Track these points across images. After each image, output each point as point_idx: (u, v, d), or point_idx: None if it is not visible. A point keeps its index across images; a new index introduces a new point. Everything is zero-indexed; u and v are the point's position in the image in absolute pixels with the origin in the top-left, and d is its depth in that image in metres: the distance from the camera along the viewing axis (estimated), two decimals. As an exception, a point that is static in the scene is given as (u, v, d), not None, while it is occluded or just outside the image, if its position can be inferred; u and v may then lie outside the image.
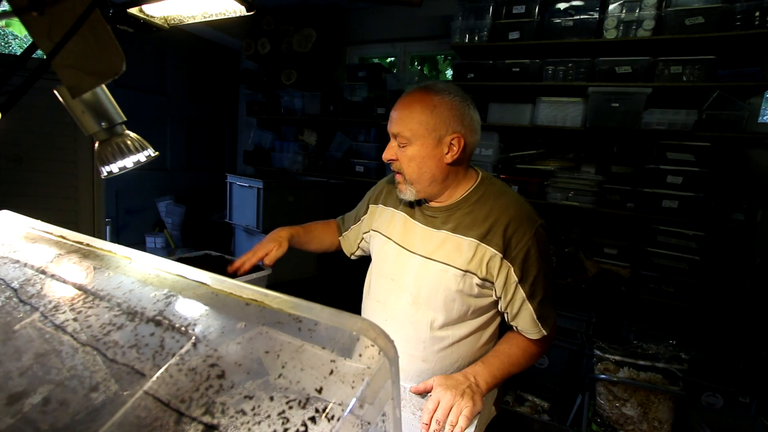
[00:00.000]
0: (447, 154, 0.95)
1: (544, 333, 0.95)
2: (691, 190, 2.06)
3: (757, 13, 1.87)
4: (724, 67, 2.00)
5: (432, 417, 0.78)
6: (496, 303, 1.00)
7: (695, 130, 2.04)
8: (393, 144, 0.99)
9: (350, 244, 1.27)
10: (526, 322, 0.95)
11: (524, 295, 0.94)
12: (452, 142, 0.94)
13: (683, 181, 2.07)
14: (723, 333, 2.13)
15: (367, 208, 1.21)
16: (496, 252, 0.93)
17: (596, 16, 2.16)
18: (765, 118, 2.21)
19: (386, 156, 1.00)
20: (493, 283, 0.95)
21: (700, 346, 2.04)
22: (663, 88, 2.09)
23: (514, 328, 1.00)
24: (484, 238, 0.94)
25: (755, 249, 2.17)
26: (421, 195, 1.02)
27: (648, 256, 2.18)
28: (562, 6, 2.24)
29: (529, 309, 0.94)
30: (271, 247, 1.12)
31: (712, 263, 2.16)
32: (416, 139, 0.94)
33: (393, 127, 0.97)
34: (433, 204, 1.05)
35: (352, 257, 1.29)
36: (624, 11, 2.12)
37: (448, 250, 0.97)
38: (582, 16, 2.19)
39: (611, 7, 2.14)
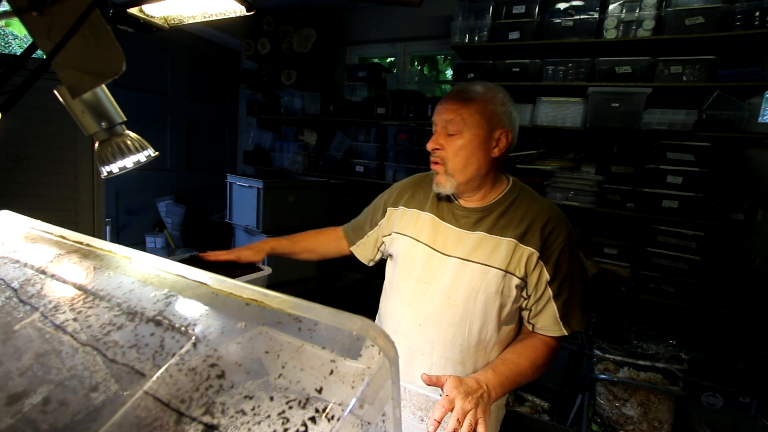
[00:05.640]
0: (495, 148, 0.98)
1: (565, 332, 0.96)
2: (691, 190, 2.06)
3: (757, 13, 1.87)
4: (724, 67, 2.00)
5: (442, 415, 0.74)
6: (520, 306, 1.01)
7: (695, 130, 2.04)
8: (440, 132, 0.99)
9: (369, 251, 1.22)
10: (548, 319, 0.96)
11: (551, 293, 0.95)
12: (500, 136, 0.97)
13: (683, 181, 2.07)
14: (723, 333, 2.13)
15: (385, 211, 1.18)
16: (533, 251, 0.94)
17: (596, 16, 2.16)
18: (765, 118, 2.21)
19: (432, 145, 0.99)
20: (527, 283, 0.97)
21: (700, 346, 2.04)
22: (663, 88, 2.09)
23: (530, 327, 1.00)
24: (522, 239, 0.95)
25: (755, 249, 2.17)
26: (459, 188, 1.01)
27: (648, 256, 2.18)
28: (562, 6, 2.24)
29: (552, 308, 0.96)
30: (247, 254, 1.15)
31: (712, 263, 2.16)
32: (470, 129, 0.95)
33: (446, 114, 0.97)
34: (465, 204, 1.04)
35: (371, 264, 1.25)
36: (624, 11, 2.12)
37: (487, 251, 0.97)
38: (582, 16, 2.19)
39: (611, 7, 2.14)
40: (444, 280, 0.99)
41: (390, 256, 1.17)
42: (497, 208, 1.01)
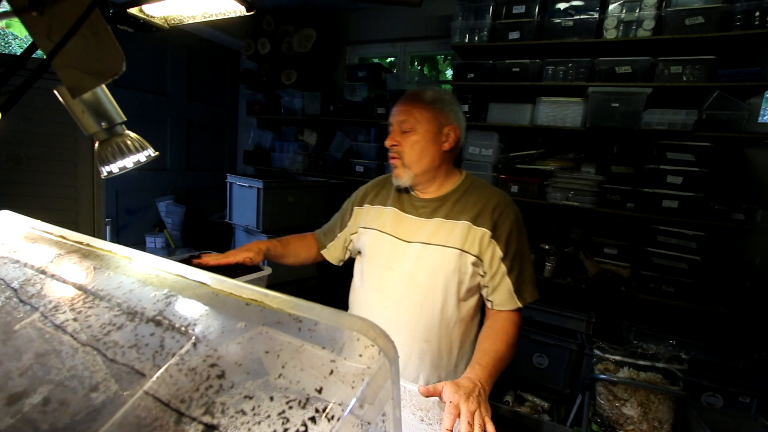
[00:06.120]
0: (445, 142, 1.09)
1: (519, 305, 1.06)
2: (691, 190, 2.06)
3: (757, 13, 1.87)
4: (724, 67, 2.00)
5: (453, 423, 0.77)
6: (479, 284, 1.10)
7: (695, 130, 2.04)
8: (396, 131, 1.10)
9: (338, 251, 1.31)
10: (504, 294, 1.06)
11: (505, 269, 1.06)
12: (449, 132, 1.09)
13: (683, 181, 2.07)
14: (723, 333, 2.13)
15: (352, 212, 1.27)
16: (486, 230, 1.05)
17: (596, 16, 2.16)
18: (765, 118, 2.21)
19: (389, 142, 1.11)
20: (482, 261, 1.06)
21: (700, 346, 2.04)
22: (663, 88, 2.09)
23: (489, 305, 1.09)
24: (475, 221, 1.06)
25: (755, 249, 2.17)
26: (416, 180, 1.11)
27: (648, 256, 2.18)
28: (562, 6, 2.24)
29: (507, 282, 1.06)
30: (249, 256, 1.18)
31: (712, 263, 2.16)
32: (421, 126, 1.07)
33: (400, 116, 1.09)
34: (423, 196, 1.15)
35: (340, 263, 1.33)
36: (624, 11, 2.12)
37: (444, 234, 1.07)
38: (582, 16, 2.19)
39: (611, 7, 2.14)
40: (407, 264, 1.09)
41: (359, 252, 1.25)
42: (452, 198, 1.12)
